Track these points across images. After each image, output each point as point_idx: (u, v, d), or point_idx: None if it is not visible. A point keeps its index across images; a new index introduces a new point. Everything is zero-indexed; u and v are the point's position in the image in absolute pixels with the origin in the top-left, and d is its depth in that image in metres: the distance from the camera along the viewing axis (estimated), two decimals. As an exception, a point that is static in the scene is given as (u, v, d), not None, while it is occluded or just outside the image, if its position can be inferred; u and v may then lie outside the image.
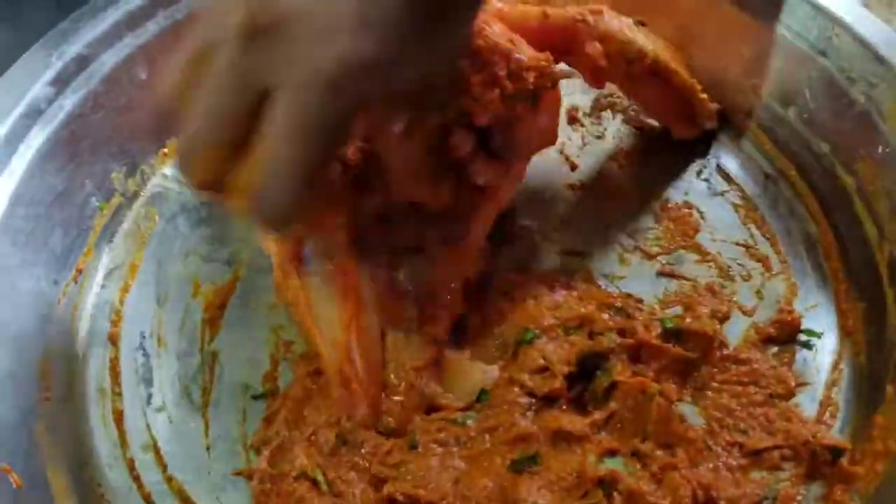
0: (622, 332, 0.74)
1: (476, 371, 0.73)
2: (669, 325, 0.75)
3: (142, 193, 0.85)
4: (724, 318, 0.77)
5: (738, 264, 0.81)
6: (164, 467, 0.72)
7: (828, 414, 0.73)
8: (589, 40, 0.77)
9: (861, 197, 0.78)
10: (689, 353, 0.74)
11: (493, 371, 0.74)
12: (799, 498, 0.69)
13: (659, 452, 0.69)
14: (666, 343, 0.74)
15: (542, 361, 0.73)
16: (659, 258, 0.81)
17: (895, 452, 0.67)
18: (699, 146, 0.88)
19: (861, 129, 0.78)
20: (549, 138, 0.79)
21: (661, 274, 0.81)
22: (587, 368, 0.73)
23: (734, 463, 0.70)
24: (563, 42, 0.77)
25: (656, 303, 0.79)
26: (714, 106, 0.86)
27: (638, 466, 0.69)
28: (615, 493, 0.67)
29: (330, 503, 0.68)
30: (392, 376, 0.71)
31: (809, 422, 0.72)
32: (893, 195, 0.75)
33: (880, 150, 0.76)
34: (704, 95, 0.85)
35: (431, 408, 0.72)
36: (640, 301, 0.78)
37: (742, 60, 0.86)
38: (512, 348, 0.75)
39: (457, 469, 0.69)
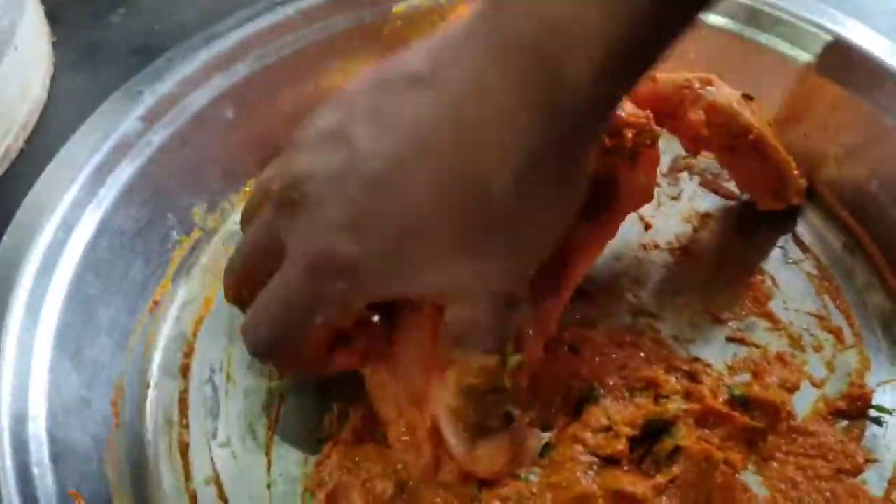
0: (688, 396, 0.74)
1: (532, 437, 0.72)
2: (737, 392, 0.74)
3: (220, 230, 0.87)
4: (793, 389, 0.76)
5: (810, 335, 0.80)
6: (224, 501, 0.72)
7: (896, 494, 0.72)
8: (693, 108, 0.77)
9: (939, 274, 0.77)
10: (755, 422, 0.73)
11: (545, 437, 0.73)
12: (862, 578, 0.67)
13: (721, 522, 0.68)
14: (733, 410, 0.73)
15: (605, 421, 0.73)
16: (729, 323, 0.81)
17: (965, 538, 0.66)
18: (779, 216, 0.87)
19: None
20: (646, 196, 0.78)
21: (730, 340, 0.80)
22: (651, 431, 0.72)
23: (796, 540, 0.69)
24: (667, 106, 0.77)
25: (724, 369, 0.78)
26: (803, 182, 0.85)
27: (699, 535, 0.68)
28: None
29: None
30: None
31: (877, 500, 0.70)
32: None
33: (962, 226, 0.75)
34: (796, 172, 0.84)
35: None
36: (709, 366, 0.78)
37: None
38: (576, 405, 0.75)
39: (516, 526, 0.69)
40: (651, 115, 0.73)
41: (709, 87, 0.78)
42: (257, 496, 0.73)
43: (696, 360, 0.78)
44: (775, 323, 0.81)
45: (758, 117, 0.80)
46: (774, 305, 0.82)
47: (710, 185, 0.90)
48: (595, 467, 0.71)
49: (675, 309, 0.82)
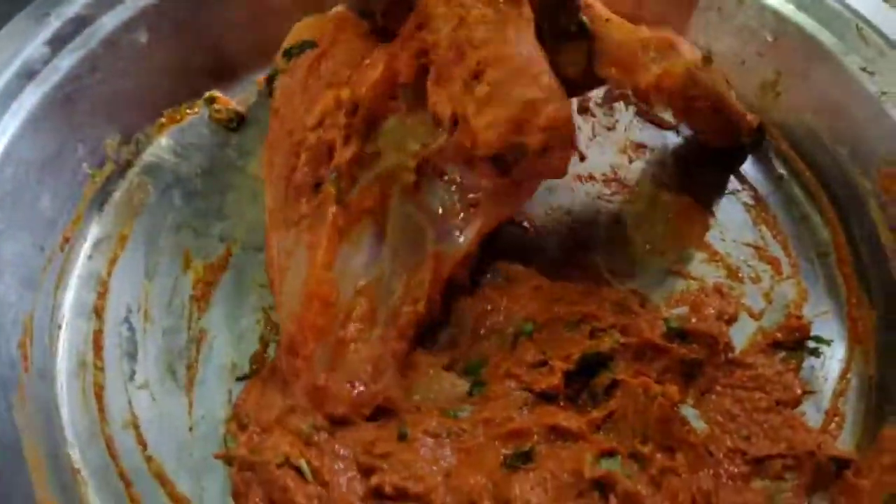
0: (625, 330, 0.72)
1: (445, 381, 0.71)
2: (674, 325, 0.72)
3: (136, 163, 0.83)
4: (730, 321, 0.75)
5: (748, 266, 0.78)
6: (143, 446, 0.69)
7: (834, 424, 0.71)
8: (645, 73, 0.72)
9: (878, 202, 0.75)
10: (693, 354, 0.72)
11: (464, 386, 0.71)
12: (801, 509, 0.66)
13: (659, 455, 0.66)
14: (670, 343, 0.71)
15: (540, 356, 0.70)
16: (667, 255, 0.79)
17: (904, 466, 0.65)
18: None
19: (880, 131, 0.75)
20: (556, 173, 0.73)
21: (668, 272, 0.78)
22: (587, 365, 0.70)
23: (735, 470, 0.68)
24: (622, 65, 0.73)
25: (662, 301, 0.76)
26: (754, 119, 0.83)
27: (636, 468, 0.66)
28: (612, 496, 0.64)
29: (315, 492, 0.65)
30: (353, 368, 0.68)
31: (814, 431, 0.70)
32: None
33: (900, 154, 0.74)
34: (750, 116, 0.82)
35: (388, 408, 0.69)
36: (646, 299, 0.76)
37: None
38: (510, 340, 0.72)
39: (448, 462, 0.66)
40: (569, 117, 0.68)
41: (668, 51, 0.73)
42: (179, 440, 0.70)
43: (634, 292, 0.76)
44: (713, 255, 0.79)
45: (716, 76, 0.77)
46: (712, 236, 0.80)
47: (647, 115, 0.87)
48: (529, 403, 0.69)
49: (611, 241, 0.80)
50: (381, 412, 0.68)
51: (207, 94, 0.86)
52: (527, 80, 0.67)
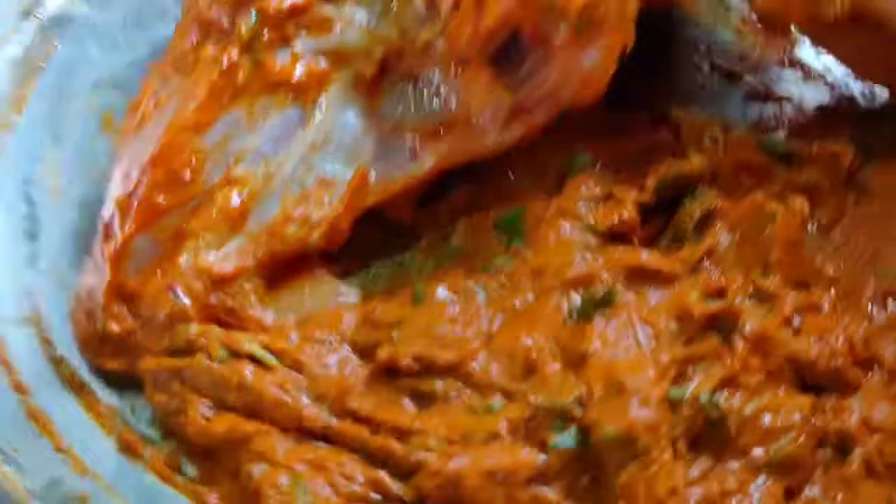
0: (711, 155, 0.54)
1: (328, 290, 0.53)
2: (777, 147, 0.55)
3: (37, 14, 0.65)
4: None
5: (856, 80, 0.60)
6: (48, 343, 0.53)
7: None
8: None
9: None
10: (807, 177, 0.53)
11: (352, 295, 0.53)
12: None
13: (789, 290, 0.47)
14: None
15: (599, 191, 0.52)
16: (746, 78, 0.61)
17: None
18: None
19: None
20: (591, 89, 0.54)
21: (750, 96, 0.61)
22: (667, 198, 0.53)
23: (885, 317, 0.48)
24: None
25: (748, 129, 0.58)
26: None
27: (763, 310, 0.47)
28: (736, 338, 0.45)
29: (290, 378, 0.48)
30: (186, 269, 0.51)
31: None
32: None
33: None
34: None
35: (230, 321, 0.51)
36: (729, 125, 0.57)
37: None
38: (555, 176, 0.54)
39: (487, 324, 0.48)
40: None
41: None
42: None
43: (712, 117, 0.57)
44: (806, 70, 0.62)
45: None
46: (803, 52, 0.62)
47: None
48: (593, 247, 0.51)
49: (677, 65, 0.62)
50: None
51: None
52: None
